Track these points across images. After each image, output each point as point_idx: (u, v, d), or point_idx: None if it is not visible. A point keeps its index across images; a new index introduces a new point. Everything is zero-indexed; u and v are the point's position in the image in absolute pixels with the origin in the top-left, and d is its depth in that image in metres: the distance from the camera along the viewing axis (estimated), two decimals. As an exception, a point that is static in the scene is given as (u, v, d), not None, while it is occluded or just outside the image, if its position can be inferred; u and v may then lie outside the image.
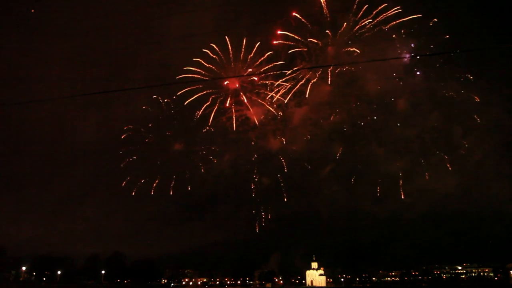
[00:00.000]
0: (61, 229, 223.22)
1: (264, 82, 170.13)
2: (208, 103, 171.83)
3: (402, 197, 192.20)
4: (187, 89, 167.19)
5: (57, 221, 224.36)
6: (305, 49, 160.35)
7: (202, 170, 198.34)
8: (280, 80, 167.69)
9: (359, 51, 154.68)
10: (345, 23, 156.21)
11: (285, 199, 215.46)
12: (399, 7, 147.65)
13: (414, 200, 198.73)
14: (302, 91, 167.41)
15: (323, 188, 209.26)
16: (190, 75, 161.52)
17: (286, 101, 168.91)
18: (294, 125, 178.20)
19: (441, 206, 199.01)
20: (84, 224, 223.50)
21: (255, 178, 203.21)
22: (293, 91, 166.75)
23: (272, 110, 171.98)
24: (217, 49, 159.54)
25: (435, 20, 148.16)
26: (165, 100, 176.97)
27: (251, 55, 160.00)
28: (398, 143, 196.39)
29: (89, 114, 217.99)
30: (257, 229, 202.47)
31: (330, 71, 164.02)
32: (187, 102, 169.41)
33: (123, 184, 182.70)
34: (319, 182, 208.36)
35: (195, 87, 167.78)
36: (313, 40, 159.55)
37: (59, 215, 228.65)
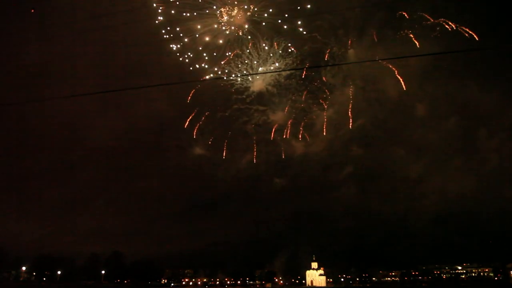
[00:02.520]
0: (62, 230, 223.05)
1: (288, 84, 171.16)
2: (231, 103, 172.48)
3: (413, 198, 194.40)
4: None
5: (58, 222, 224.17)
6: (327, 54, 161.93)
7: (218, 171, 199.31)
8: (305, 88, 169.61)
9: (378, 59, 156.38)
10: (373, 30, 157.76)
11: (294, 200, 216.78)
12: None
13: (422, 202, 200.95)
14: (324, 95, 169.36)
15: (336, 190, 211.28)
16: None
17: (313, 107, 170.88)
18: (315, 128, 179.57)
19: (443, 207, 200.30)
20: (84, 224, 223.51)
21: (269, 179, 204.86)
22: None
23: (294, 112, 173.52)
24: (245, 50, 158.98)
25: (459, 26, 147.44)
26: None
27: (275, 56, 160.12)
28: (416, 145, 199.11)
29: (102, 115, 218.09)
30: (260, 229, 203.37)
31: (352, 74, 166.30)
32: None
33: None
34: (332, 183, 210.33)
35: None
36: (335, 47, 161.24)
37: (60, 215, 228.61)
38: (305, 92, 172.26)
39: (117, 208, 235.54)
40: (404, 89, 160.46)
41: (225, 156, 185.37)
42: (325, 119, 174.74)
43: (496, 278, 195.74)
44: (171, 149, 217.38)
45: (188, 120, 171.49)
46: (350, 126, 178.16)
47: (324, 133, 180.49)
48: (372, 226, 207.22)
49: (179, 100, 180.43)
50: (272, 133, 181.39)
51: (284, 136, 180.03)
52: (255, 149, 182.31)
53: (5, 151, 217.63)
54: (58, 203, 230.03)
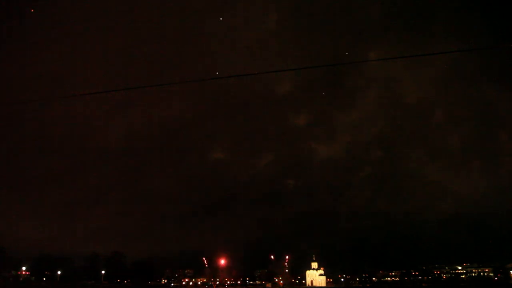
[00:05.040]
0: (62, 230, 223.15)
1: (311, 88, 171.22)
2: (253, 105, 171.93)
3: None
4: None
5: (58, 222, 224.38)
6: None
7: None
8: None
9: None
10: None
11: (298, 201, 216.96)
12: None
13: (426, 203, 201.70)
14: (347, 98, 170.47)
15: (346, 191, 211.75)
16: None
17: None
18: (335, 131, 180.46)
19: (446, 208, 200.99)
20: (85, 224, 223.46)
21: (281, 180, 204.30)
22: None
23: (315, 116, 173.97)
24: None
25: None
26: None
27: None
28: (432, 149, 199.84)
29: (116, 115, 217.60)
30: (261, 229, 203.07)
31: (373, 80, 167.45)
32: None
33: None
34: (343, 185, 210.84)
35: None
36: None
37: (61, 216, 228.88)
38: (327, 96, 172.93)
39: (118, 209, 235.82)
40: (427, 95, 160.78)
41: (240, 158, 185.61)
42: (345, 122, 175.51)
43: (496, 278, 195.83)
44: (180, 151, 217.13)
45: (206, 121, 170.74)
46: (371, 131, 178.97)
47: (344, 136, 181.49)
48: (374, 226, 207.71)
49: (197, 101, 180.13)
50: (292, 136, 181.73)
51: (304, 139, 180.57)
52: (273, 151, 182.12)
53: (6, 152, 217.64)
54: (58, 203, 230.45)
